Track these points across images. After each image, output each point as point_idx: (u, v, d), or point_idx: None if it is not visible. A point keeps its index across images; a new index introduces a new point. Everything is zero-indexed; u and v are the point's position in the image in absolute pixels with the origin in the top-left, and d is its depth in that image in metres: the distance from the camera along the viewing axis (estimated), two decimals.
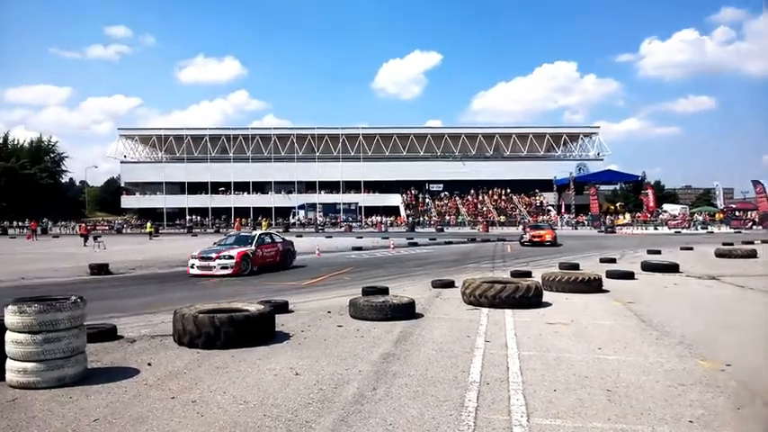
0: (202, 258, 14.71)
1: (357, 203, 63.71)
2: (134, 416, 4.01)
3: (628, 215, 54.29)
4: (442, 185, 67.28)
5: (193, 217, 64.53)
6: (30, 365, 4.66)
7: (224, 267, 14.43)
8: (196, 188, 66.62)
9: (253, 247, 15.48)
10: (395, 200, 65.73)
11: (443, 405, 4.19)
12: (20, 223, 57.49)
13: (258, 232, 17.97)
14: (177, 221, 63.86)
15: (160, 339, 6.52)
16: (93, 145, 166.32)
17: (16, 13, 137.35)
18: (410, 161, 67.51)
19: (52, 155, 79.10)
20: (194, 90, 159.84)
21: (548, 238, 26.37)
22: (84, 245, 29.93)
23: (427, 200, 66.45)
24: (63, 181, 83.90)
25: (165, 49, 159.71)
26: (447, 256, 21.56)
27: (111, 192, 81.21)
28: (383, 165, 66.70)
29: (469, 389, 4.56)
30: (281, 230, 51.35)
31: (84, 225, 40.98)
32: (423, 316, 7.96)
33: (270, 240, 17.05)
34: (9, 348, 4.71)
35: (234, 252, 14.83)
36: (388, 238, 34.60)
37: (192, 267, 14.71)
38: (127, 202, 68.98)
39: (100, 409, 4.15)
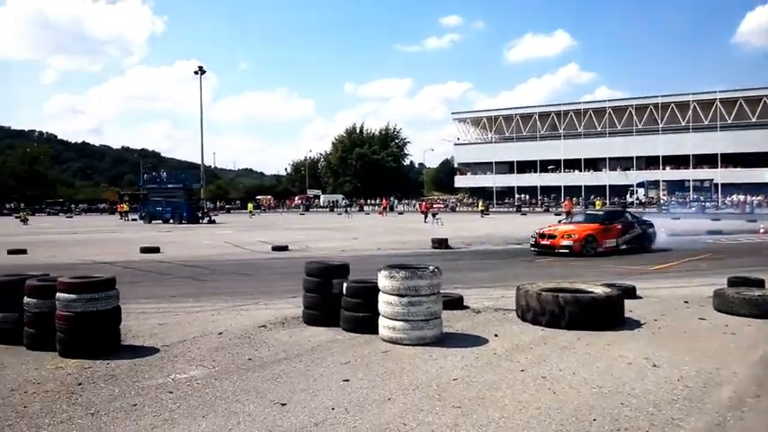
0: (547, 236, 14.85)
1: (711, 180, 55.69)
2: (488, 382, 4.32)
3: None
4: None
5: (522, 196, 66.19)
6: (397, 324, 5.45)
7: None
8: (524, 167, 68.16)
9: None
10: (763, 175, 55.15)
11: None
12: (371, 201, 68.21)
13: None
14: (506, 200, 66.48)
15: (503, 313, 6.88)
16: (430, 130, 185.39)
17: (365, 16, 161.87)
18: None
19: (397, 140, 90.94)
20: (522, 69, 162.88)
21: None
22: (425, 221, 33.62)
23: None
24: (405, 163, 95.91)
25: (494, 32, 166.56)
26: None
27: (446, 172, 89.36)
28: (748, 133, 56.65)
29: None
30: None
31: (425, 203, 46.19)
32: None
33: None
34: (382, 308, 5.59)
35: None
36: (755, 221, 29.31)
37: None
38: (459, 181, 75.06)
39: (456, 371, 4.60)
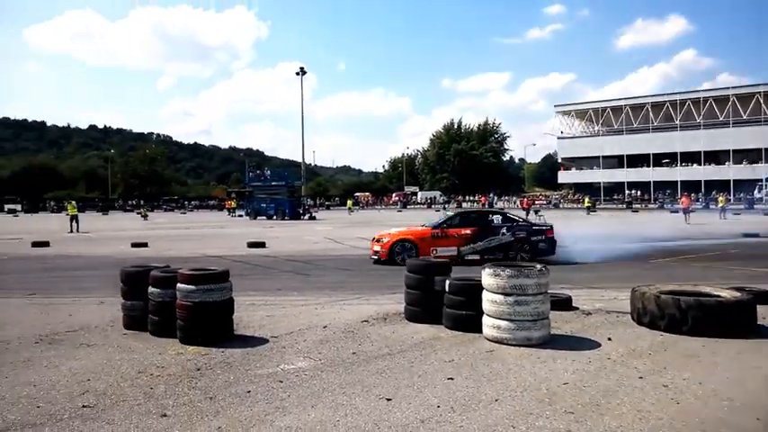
0: None
1: None
2: (602, 388, 4.12)
3: None
4: None
5: (632, 192, 62.73)
6: (502, 323, 5.33)
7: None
8: (635, 161, 64.47)
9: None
10: None
11: None
12: (470, 198, 67.44)
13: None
14: (615, 196, 63.28)
15: (616, 315, 6.55)
16: (530, 124, 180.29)
17: (464, 9, 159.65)
18: None
19: (496, 135, 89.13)
20: (631, 57, 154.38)
21: None
22: (526, 218, 32.69)
23: None
24: (504, 159, 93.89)
25: (600, 20, 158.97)
26: None
27: (549, 167, 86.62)
28: None
29: None
30: (742, 207, 44.85)
31: (525, 199, 45.02)
32: None
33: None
34: (486, 306, 5.50)
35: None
36: None
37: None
38: (563, 177, 72.34)
39: (568, 374, 4.43)
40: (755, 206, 45.67)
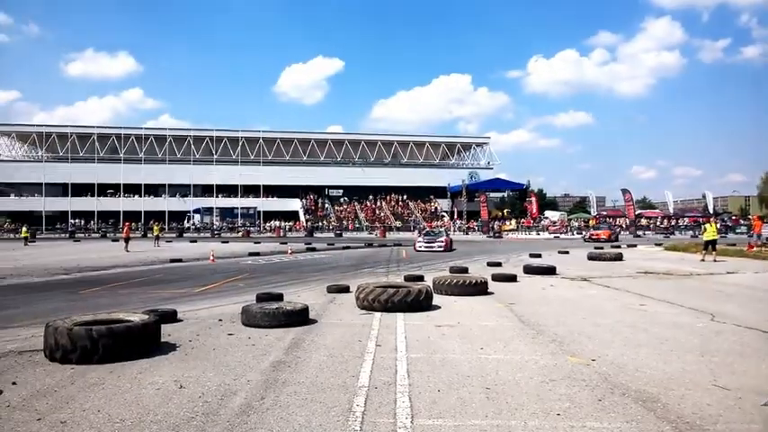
0: (427, 242, 27.32)
1: (256, 208, 62.26)
2: None
3: (514, 221, 57.50)
4: (341, 191, 67.54)
5: (77, 221, 59.78)
6: None
7: (440, 246, 26.69)
8: (81, 190, 61.75)
9: (447, 237, 28.80)
10: (294, 204, 64.96)
11: (331, 411, 4.16)
12: None
13: (443, 229, 36.48)
14: (58, 226, 58.80)
15: (29, 355, 5.93)
16: None
17: None
18: (310, 166, 67.18)
19: None
20: (82, 85, 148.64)
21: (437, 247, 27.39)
22: None
23: (327, 205, 66.37)
24: None
25: (51, 40, 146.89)
26: (344, 261, 21.61)
27: None
28: (283, 169, 65.76)
29: (358, 393, 4.57)
30: (174, 236, 48.93)
31: None
32: (317, 322, 7.89)
33: (447, 234, 30.84)
34: None
35: (443, 239, 27.70)
36: (286, 243, 34.03)
37: (419, 247, 27.22)
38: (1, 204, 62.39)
39: None
40: (185, 234, 50.68)
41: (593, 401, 4.37)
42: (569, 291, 11.65)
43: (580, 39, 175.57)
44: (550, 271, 14.85)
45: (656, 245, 30.36)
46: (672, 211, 64.16)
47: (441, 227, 50.06)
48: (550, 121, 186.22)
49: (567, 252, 23.91)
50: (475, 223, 57.68)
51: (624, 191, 56.46)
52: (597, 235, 38.08)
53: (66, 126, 65.82)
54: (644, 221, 57.72)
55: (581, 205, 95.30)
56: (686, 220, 57.53)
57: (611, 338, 6.79)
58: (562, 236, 48.57)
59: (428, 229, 37.35)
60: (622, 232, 50.84)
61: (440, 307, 9.17)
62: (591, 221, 57.65)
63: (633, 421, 3.94)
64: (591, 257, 20.06)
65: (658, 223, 57.64)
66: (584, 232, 44.19)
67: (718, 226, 28.31)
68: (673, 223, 56.24)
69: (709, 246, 19.19)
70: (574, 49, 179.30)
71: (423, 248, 26.87)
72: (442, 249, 26.49)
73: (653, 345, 6.42)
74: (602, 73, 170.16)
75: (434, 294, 9.75)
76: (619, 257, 19.82)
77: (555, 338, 6.75)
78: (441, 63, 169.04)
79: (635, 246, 30.12)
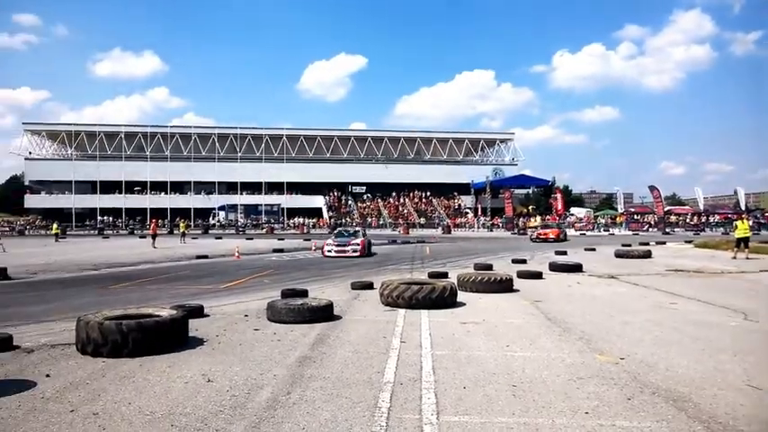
0: (338, 245, 21.61)
1: (279, 205, 62.74)
2: (28, 431, 3.72)
3: (539, 218, 56.87)
4: (364, 187, 67.64)
5: (105, 218, 61.07)
6: None
7: (354, 251, 21.25)
8: (109, 188, 63.07)
9: (364, 239, 22.73)
10: (318, 201, 65.27)
11: (357, 406, 4.19)
12: None
13: (359, 229, 27.64)
14: (87, 222, 60.17)
15: (61, 348, 6.10)
16: None
17: None
18: (333, 163, 67.39)
19: None
20: (109, 85, 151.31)
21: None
22: None
23: (350, 202, 66.55)
24: None
25: (78, 41, 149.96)
26: (368, 258, 21.64)
27: (14, 190, 75.14)
28: (306, 166, 66.15)
29: (383, 389, 4.59)
30: (199, 232, 49.64)
31: None
32: (341, 318, 7.94)
33: (363, 234, 24.34)
34: None
35: (359, 241, 22.12)
36: (309, 240, 34.24)
37: (329, 252, 21.45)
38: (31, 201, 64.04)
39: None
40: (210, 231, 51.34)
41: (622, 400, 4.31)
42: (596, 288, 11.49)
43: (606, 32, 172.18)
44: (577, 268, 14.67)
45: (686, 242, 29.73)
46: (702, 207, 62.75)
47: (359, 225, 47.53)
48: (576, 117, 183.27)
49: (594, 249, 23.58)
50: (499, 220, 57.25)
51: (652, 187, 55.33)
52: (545, 234, 33.39)
53: (95, 125, 67.28)
54: (673, 218, 56.59)
55: (608, 202, 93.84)
56: (717, 216, 56.15)
57: (640, 337, 6.69)
58: (588, 233, 47.92)
59: (340, 229, 29.30)
60: (650, 229, 49.90)
61: (464, 304, 9.14)
62: (618, 218, 56.76)
63: (664, 421, 3.88)
64: (618, 255, 19.76)
65: (688, 220, 56.46)
66: (536, 231, 40.53)
67: (751, 223, 27.48)
68: (703, 220, 55.02)
69: (741, 243, 18.73)
70: (600, 42, 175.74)
71: (333, 254, 21.24)
72: (357, 254, 21.13)
73: (684, 344, 6.30)
74: (629, 67, 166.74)
75: (459, 291, 9.72)
76: (647, 255, 19.49)
77: (582, 336, 6.68)
78: (464, 59, 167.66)
79: (664, 243, 29.56)
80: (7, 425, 3.85)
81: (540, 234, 33.91)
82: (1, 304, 10.07)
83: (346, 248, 21.33)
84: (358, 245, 21.53)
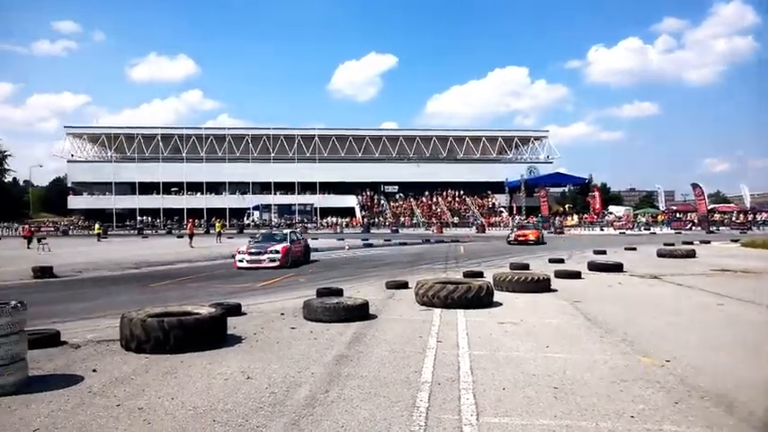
0: (251, 254, 17.13)
1: (312, 204, 63.28)
2: (76, 424, 3.84)
3: (576, 216, 55.85)
4: (396, 187, 67.59)
5: (144, 218, 62.68)
6: None
7: (272, 260, 16.90)
8: (147, 188, 64.67)
9: (289, 244, 17.95)
10: (350, 201, 65.56)
11: (395, 406, 4.19)
12: None
13: (287, 231, 21.15)
14: (127, 223, 61.89)
15: (106, 345, 6.29)
16: (39, 143, 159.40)
17: None
18: (365, 162, 67.48)
19: None
20: (146, 88, 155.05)
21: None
22: (28, 247, 28.65)
23: (382, 201, 66.65)
24: (5, 180, 79.83)
25: (116, 46, 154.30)
26: (401, 257, 21.65)
27: (58, 192, 77.78)
28: (339, 166, 66.45)
29: (421, 389, 4.58)
30: (235, 232, 50.50)
31: (27, 226, 39.10)
32: (376, 317, 7.96)
33: (296, 238, 19.58)
34: None
35: (279, 247, 17.42)
36: (343, 239, 34.47)
37: (240, 261, 17.14)
38: (74, 202, 66.18)
39: (41, 419, 3.96)
40: (244, 230, 52.16)
41: (669, 404, 4.20)
42: (638, 289, 11.22)
43: (643, 26, 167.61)
44: (617, 268, 14.35)
45: (732, 241, 28.76)
46: (748, 205, 60.58)
47: (295, 227, 44.77)
48: (613, 113, 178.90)
49: (635, 249, 23.03)
50: (534, 219, 56.45)
51: (694, 185, 53.63)
52: (525, 236, 30.31)
53: (133, 128, 69.06)
54: (717, 216, 54.78)
55: (648, 200, 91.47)
56: (765, 214, 54.13)
57: (686, 339, 6.50)
58: (628, 232, 46.83)
59: (262, 232, 26.10)
60: (693, 228, 48.43)
61: (501, 304, 9.05)
62: (659, 217, 55.30)
63: (714, 426, 3.76)
64: (661, 254, 19.25)
65: (734, 218, 54.57)
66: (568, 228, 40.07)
67: None
68: (749, 218, 53.10)
69: None
70: (637, 36, 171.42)
71: (245, 264, 17.02)
72: (276, 265, 16.84)
73: (733, 346, 6.10)
74: (667, 61, 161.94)
75: (495, 291, 9.62)
76: (691, 254, 18.93)
77: (625, 338, 6.52)
78: (496, 56, 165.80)
79: (708, 242, 28.66)
80: (57, 418, 3.99)
81: (518, 236, 30.44)
82: (48, 301, 10.45)
83: (261, 257, 16.94)
84: (278, 252, 17.08)
